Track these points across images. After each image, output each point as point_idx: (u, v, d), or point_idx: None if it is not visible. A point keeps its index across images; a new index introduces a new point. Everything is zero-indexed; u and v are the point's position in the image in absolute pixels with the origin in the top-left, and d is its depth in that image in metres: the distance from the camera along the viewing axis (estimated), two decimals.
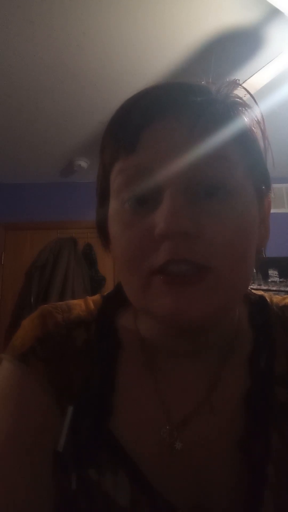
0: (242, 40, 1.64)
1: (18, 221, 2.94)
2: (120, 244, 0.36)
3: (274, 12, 1.46)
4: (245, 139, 0.36)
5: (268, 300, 0.46)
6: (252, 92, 0.40)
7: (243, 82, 1.46)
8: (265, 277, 2.71)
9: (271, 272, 2.72)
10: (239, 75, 1.78)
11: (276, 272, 2.73)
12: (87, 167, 2.74)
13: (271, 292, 0.49)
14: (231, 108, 0.36)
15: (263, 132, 0.39)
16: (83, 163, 2.72)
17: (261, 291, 0.49)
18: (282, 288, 2.67)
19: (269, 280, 2.71)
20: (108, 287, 2.67)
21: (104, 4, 1.46)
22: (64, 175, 2.98)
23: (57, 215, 2.94)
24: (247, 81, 1.47)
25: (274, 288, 2.66)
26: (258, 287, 2.62)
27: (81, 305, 0.48)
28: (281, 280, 2.72)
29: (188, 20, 1.54)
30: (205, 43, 1.67)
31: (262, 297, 0.47)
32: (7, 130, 2.33)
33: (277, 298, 0.47)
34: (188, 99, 0.35)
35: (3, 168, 2.85)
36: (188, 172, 0.33)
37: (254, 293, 0.48)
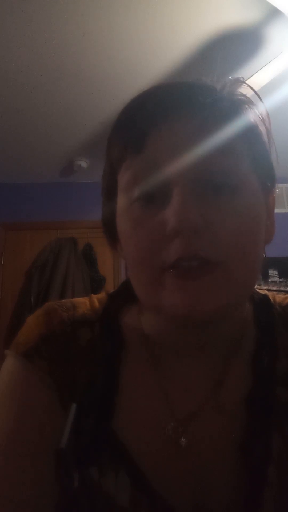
0: (242, 40, 1.64)
1: (18, 221, 2.94)
2: (131, 242, 0.37)
3: (274, 12, 1.46)
4: (250, 135, 0.37)
5: (271, 299, 0.46)
6: (250, 93, 0.41)
7: None
8: (265, 277, 2.71)
9: (271, 272, 2.72)
10: (239, 75, 1.78)
11: (276, 272, 2.73)
12: (87, 167, 2.74)
13: (274, 291, 0.49)
14: (236, 105, 0.37)
15: (267, 129, 0.40)
16: (83, 163, 2.72)
17: (264, 290, 0.49)
18: (282, 288, 2.67)
19: (269, 280, 2.71)
20: (108, 287, 2.67)
21: (104, 5, 1.46)
22: (64, 175, 2.98)
23: (57, 215, 2.93)
24: (247, 81, 1.47)
25: (274, 288, 2.65)
26: (258, 287, 2.62)
27: (86, 303, 0.48)
28: (281, 280, 2.72)
29: (188, 20, 1.54)
30: (205, 43, 1.67)
31: (265, 296, 0.47)
32: (7, 130, 2.33)
33: (279, 298, 0.47)
34: (195, 98, 0.35)
35: (3, 168, 2.85)
36: (196, 169, 0.33)
37: (258, 292, 0.48)
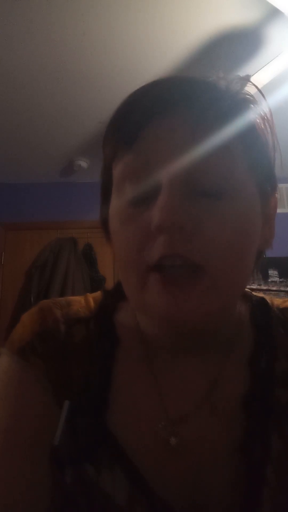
0: (242, 40, 1.64)
1: (18, 221, 2.94)
2: (118, 240, 0.36)
3: (274, 12, 1.46)
4: (249, 137, 0.36)
5: (269, 302, 0.46)
6: (252, 92, 0.40)
7: None
8: (265, 277, 2.71)
9: (271, 272, 2.72)
10: (239, 75, 1.78)
11: (276, 272, 2.72)
12: (87, 167, 2.74)
13: (271, 295, 0.49)
14: (238, 105, 0.36)
15: (271, 131, 0.39)
16: (83, 163, 2.72)
17: (261, 293, 0.49)
18: (282, 288, 2.67)
19: (269, 280, 2.71)
20: (108, 287, 2.66)
21: (104, 4, 1.46)
22: (64, 175, 2.98)
23: (57, 215, 2.94)
24: None
25: (274, 288, 2.66)
26: (258, 287, 2.62)
27: (81, 301, 0.48)
28: (281, 280, 2.72)
29: (188, 20, 1.54)
30: (205, 43, 1.67)
31: (263, 299, 0.47)
32: (7, 130, 2.33)
33: (277, 301, 0.47)
34: (194, 95, 0.34)
35: (3, 168, 2.85)
36: (188, 169, 0.32)
37: (255, 295, 0.48)
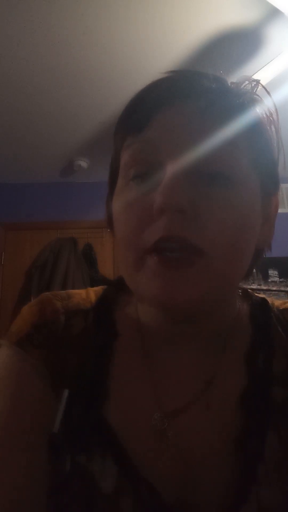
0: (242, 40, 1.65)
1: (18, 221, 2.94)
2: (120, 222, 0.37)
3: (274, 12, 1.46)
4: (255, 135, 0.37)
5: (270, 302, 0.47)
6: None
7: None
8: (265, 277, 2.71)
9: (271, 272, 2.72)
10: (239, 75, 1.78)
11: (276, 272, 2.72)
12: (87, 167, 2.74)
13: (271, 295, 0.50)
14: (246, 102, 0.37)
15: (276, 132, 0.40)
16: (83, 163, 2.72)
17: (261, 293, 0.49)
18: (282, 288, 2.67)
19: (269, 280, 2.71)
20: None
21: (104, 4, 1.46)
22: (64, 175, 2.98)
23: (57, 215, 2.93)
24: None
25: (274, 288, 2.66)
26: (258, 287, 2.62)
27: (82, 294, 0.48)
28: (281, 280, 2.72)
29: (188, 20, 1.54)
30: (205, 43, 1.67)
31: (264, 299, 0.47)
32: (7, 130, 2.33)
33: (278, 302, 0.47)
34: (204, 87, 0.36)
35: (3, 168, 2.85)
36: (193, 155, 0.33)
37: (256, 295, 0.48)
